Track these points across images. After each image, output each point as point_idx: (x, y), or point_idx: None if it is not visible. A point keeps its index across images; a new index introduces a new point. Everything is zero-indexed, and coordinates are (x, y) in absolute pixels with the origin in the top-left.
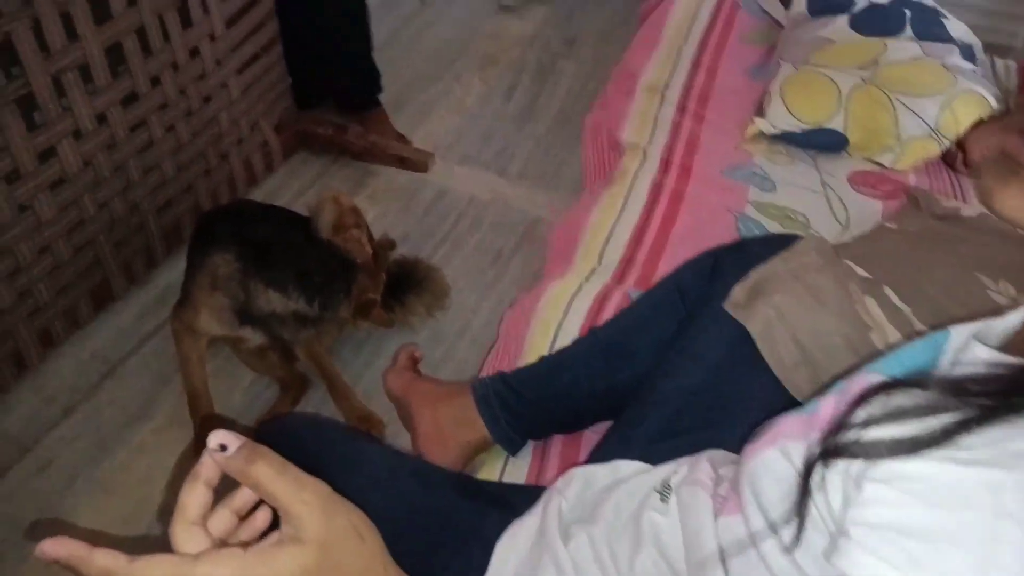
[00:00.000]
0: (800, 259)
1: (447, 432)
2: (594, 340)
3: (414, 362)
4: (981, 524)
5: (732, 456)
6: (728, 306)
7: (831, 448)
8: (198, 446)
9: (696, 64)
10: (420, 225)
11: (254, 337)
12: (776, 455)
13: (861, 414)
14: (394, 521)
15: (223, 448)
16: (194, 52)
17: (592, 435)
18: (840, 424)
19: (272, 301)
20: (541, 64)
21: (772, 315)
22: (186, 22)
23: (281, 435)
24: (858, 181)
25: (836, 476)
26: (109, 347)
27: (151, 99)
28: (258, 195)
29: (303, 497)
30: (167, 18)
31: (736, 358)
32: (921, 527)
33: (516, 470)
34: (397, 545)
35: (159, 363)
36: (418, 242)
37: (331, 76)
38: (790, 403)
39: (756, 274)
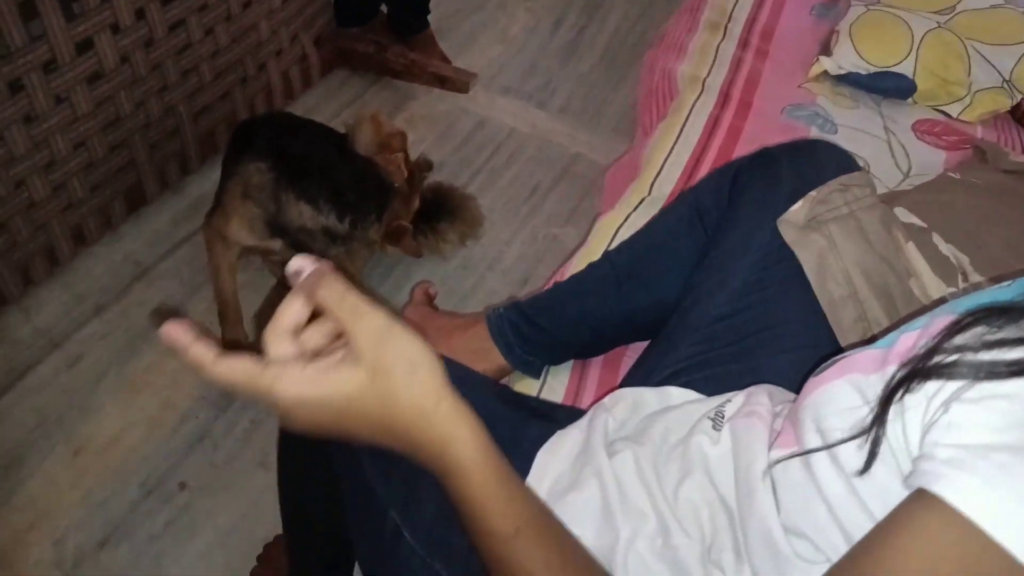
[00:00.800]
0: (855, 192)
1: (463, 363)
2: (608, 265)
3: (429, 299)
4: None
5: (790, 395)
6: (783, 225)
7: (920, 370)
8: (224, 346)
9: (760, 0)
10: (457, 153)
11: (283, 249)
12: (844, 386)
13: (955, 341)
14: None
15: (299, 273)
16: None
17: (629, 359)
18: (931, 350)
19: (303, 214)
20: None
21: (825, 245)
22: None
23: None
24: (923, 130)
25: (921, 400)
26: (142, 250)
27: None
28: (295, 109)
29: (360, 323)
30: None
31: (764, 281)
32: (1011, 442)
33: (552, 392)
34: None
35: (190, 270)
36: (454, 170)
37: None
38: (825, 333)
39: (813, 197)
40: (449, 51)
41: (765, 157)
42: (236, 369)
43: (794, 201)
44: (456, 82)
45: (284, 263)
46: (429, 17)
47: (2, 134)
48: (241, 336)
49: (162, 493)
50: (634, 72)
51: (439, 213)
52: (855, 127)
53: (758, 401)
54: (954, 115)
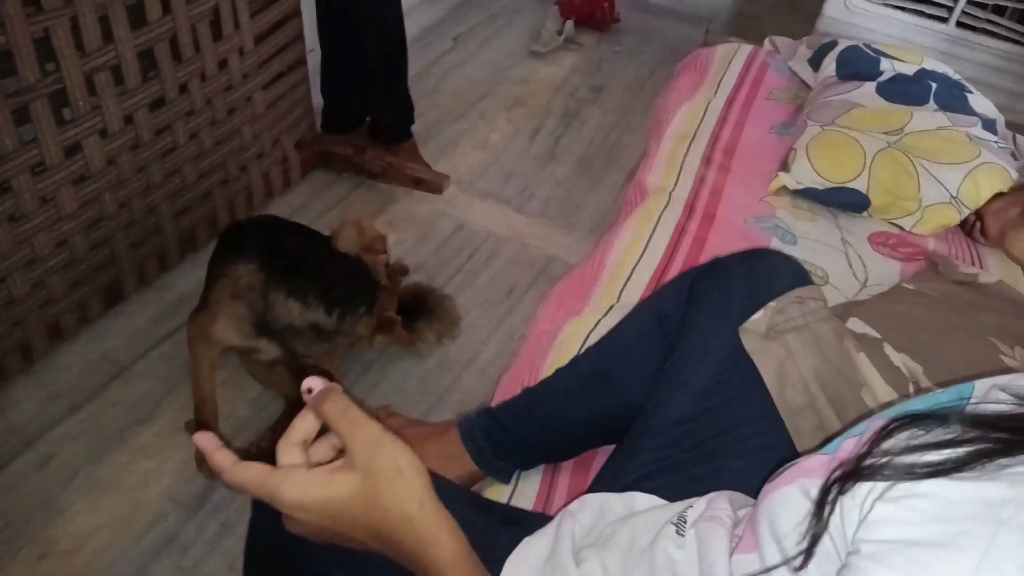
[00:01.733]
0: (810, 304)
1: (436, 469)
2: (575, 368)
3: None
4: (982, 532)
5: (750, 500)
6: (744, 333)
7: (849, 472)
8: (200, 454)
9: (723, 118)
10: (436, 255)
11: (269, 349)
12: (795, 491)
13: (883, 445)
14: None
15: (311, 391)
16: (223, 64)
17: (599, 464)
18: (862, 454)
19: (291, 311)
20: (567, 109)
21: (783, 355)
22: (217, 34)
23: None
24: (878, 242)
25: (851, 500)
26: (119, 349)
27: (178, 105)
28: (275, 209)
29: (356, 433)
30: (199, 29)
31: (723, 384)
32: (925, 537)
33: (524, 497)
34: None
35: (167, 368)
36: (433, 272)
37: (367, 104)
38: (785, 436)
39: (772, 308)
40: (431, 156)
41: (719, 265)
42: (249, 472)
43: (746, 305)
44: (431, 183)
45: (265, 364)
46: (413, 126)
47: (24, 239)
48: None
49: None
50: (609, 177)
51: (417, 312)
52: (814, 238)
53: (719, 506)
54: (907, 228)
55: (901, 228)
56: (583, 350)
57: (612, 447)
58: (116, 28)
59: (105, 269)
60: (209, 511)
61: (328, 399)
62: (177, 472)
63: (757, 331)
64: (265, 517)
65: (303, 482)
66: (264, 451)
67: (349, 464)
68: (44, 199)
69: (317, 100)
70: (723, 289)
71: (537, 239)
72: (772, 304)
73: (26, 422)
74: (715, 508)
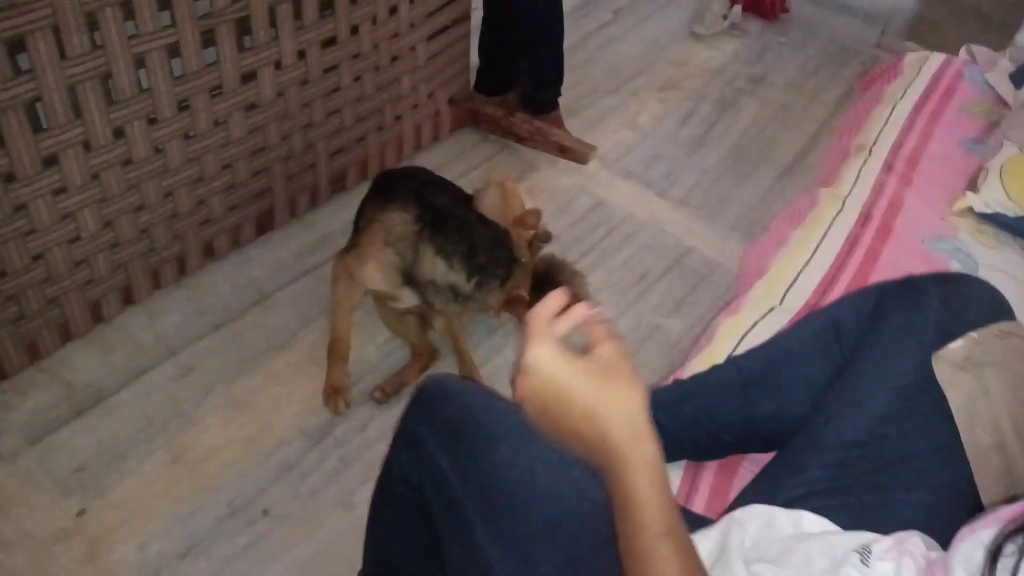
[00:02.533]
0: (1013, 340)
1: None
2: (733, 368)
3: None
4: None
5: (936, 544)
6: (938, 361)
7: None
8: (329, 388)
9: (909, 125)
10: (572, 230)
11: (408, 298)
12: (991, 535)
13: None
14: (563, 499)
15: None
16: (393, 10)
17: (745, 470)
18: None
19: (436, 268)
20: (723, 96)
21: (977, 389)
22: None
23: (446, 395)
24: None
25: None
26: (264, 276)
27: (347, 47)
28: (422, 161)
29: (613, 340)
30: None
31: (904, 411)
32: None
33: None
34: (561, 526)
35: (306, 301)
36: (567, 245)
37: (520, 69)
38: (965, 475)
39: (974, 339)
40: (578, 129)
41: (913, 285)
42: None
43: (941, 333)
44: (576, 152)
45: (399, 312)
46: (562, 98)
47: (159, 147)
48: (345, 374)
49: (246, 515)
50: (758, 173)
51: (547, 286)
52: (997, 268)
53: (913, 544)
54: None
55: None
56: (741, 350)
57: (759, 455)
58: None
59: (261, 197)
60: (331, 444)
61: (599, 317)
62: (304, 402)
63: (953, 361)
64: (404, 453)
65: (557, 352)
66: (387, 396)
67: (595, 355)
68: (217, 121)
69: (473, 59)
70: (916, 310)
71: (676, 227)
72: (974, 335)
73: (172, 333)
74: (909, 544)
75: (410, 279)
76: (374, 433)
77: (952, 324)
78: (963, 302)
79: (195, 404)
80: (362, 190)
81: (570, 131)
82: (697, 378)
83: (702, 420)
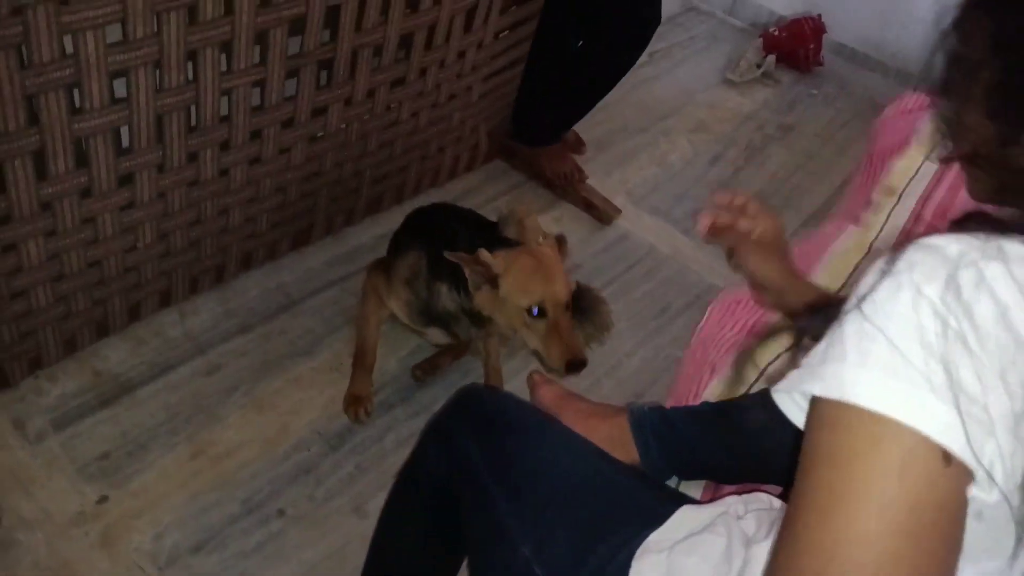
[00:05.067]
0: None
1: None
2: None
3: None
4: None
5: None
6: None
7: None
8: (350, 396)
9: (940, 177)
10: (595, 260)
11: (439, 336)
12: None
13: None
14: (578, 475)
15: None
16: (461, 54)
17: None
18: None
19: (441, 294)
20: (752, 142)
21: None
22: (468, 25)
23: (481, 397)
24: None
25: None
26: (294, 283)
27: (413, 86)
28: (455, 187)
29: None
30: (455, 20)
31: None
32: None
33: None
34: (576, 497)
35: (332, 310)
36: (590, 275)
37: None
38: None
39: None
40: (606, 163)
41: None
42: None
43: None
44: (601, 212)
45: (440, 346)
46: (592, 133)
47: (225, 170)
48: (368, 384)
49: (261, 514)
50: (783, 219)
51: (571, 310)
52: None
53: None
54: None
55: None
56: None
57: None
58: (392, 11)
59: (304, 216)
60: (348, 451)
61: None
62: (325, 407)
63: None
64: (433, 447)
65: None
66: (424, 375)
67: None
68: (282, 150)
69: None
70: None
71: (699, 264)
72: None
73: (201, 331)
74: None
75: (432, 317)
76: (391, 443)
77: None
78: None
79: (219, 402)
80: (395, 211)
81: (597, 164)
82: (734, 400)
83: (729, 440)
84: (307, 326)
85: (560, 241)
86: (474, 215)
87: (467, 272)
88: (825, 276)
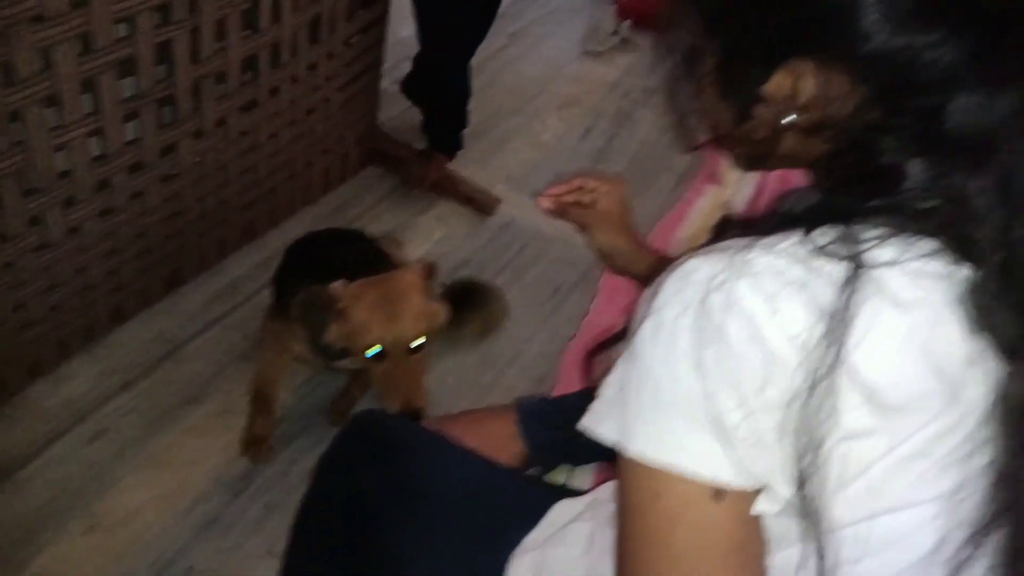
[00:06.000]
0: None
1: (489, 450)
2: None
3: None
4: None
5: None
6: None
7: None
8: (251, 436)
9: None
10: (483, 251)
11: (348, 363)
12: None
13: None
14: (466, 490)
15: None
16: (312, 67)
17: None
18: None
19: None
20: (620, 110)
21: None
22: (314, 38)
23: (373, 422)
24: None
25: None
26: (174, 328)
27: (266, 108)
28: (330, 202)
29: None
30: (299, 34)
31: None
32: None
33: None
34: (469, 509)
35: (218, 351)
36: (480, 266)
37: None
38: None
39: None
40: (483, 151)
41: None
42: None
43: None
44: (482, 204)
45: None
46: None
47: (75, 227)
48: (266, 425)
49: (170, 575)
50: (659, 181)
51: (466, 305)
52: None
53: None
54: None
55: None
56: None
57: None
58: (229, 36)
59: (172, 257)
60: (253, 493)
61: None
62: (224, 452)
63: None
64: (328, 476)
65: None
66: (343, 416)
67: None
68: (135, 195)
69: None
70: None
71: (583, 240)
72: None
73: (79, 396)
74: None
75: (337, 349)
76: (297, 477)
77: None
78: None
79: (109, 468)
80: (272, 235)
81: (476, 154)
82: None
83: None
84: (194, 371)
85: (430, 270)
86: (357, 233)
87: (307, 310)
88: (689, 234)
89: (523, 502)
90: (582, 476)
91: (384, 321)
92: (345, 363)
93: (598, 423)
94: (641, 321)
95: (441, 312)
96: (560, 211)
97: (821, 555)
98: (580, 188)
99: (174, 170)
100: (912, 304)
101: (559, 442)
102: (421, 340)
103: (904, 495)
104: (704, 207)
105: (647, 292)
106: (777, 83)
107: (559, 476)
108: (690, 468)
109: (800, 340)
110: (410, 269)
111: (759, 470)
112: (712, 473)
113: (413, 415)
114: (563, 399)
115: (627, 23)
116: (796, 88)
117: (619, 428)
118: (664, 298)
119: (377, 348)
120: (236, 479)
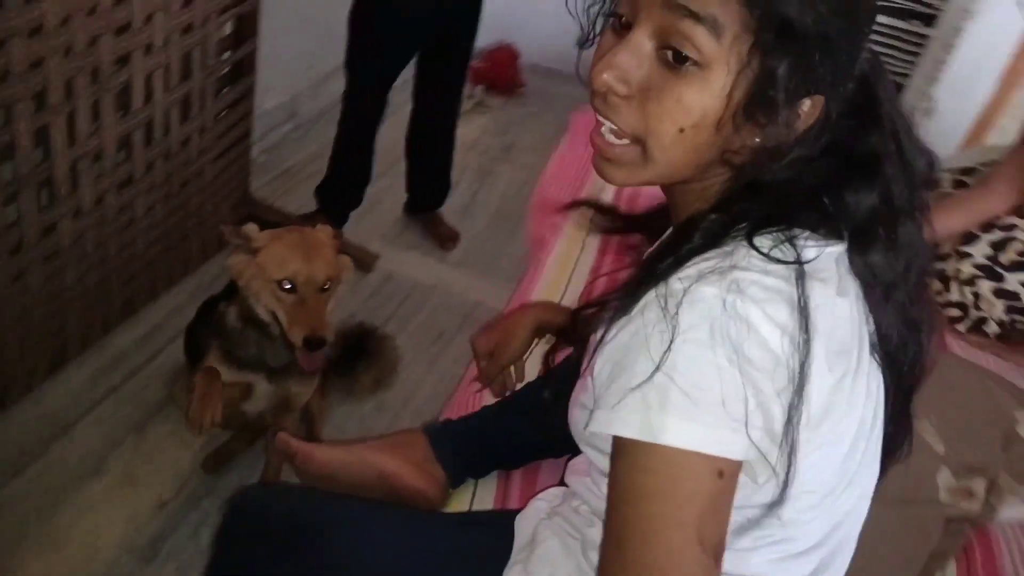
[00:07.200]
0: None
1: (413, 478)
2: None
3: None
4: None
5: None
6: None
7: None
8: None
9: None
10: (367, 305)
11: (264, 384)
12: None
13: None
14: (394, 554)
15: None
16: (185, 142)
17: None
18: None
19: (230, 317)
20: (481, 166)
21: None
22: (185, 115)
23: (262, 497)
24: None
25: None
26: (62, 408)
27: (142, 183)
28: (208, 270)
29: None
30: (171, 113)
31: None
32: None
33: (483, 503)
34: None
35: (111, 424)
36: (366, 318)
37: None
38: None
39: None
40: (356, 214)
41: None
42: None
43: None
44: (361, 262)
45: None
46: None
47: None
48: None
49: None
50: (523, 228)
51: (358, 351)
52: None
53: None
54: None
55: None
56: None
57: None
58: (103, 118)
59: (55, 336)
60: (164, 557)
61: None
62: (128, 521)
63: None
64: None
65: None
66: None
67: None
68: (15, 277)
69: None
70: None
71: (460, 286)
72: None
73: None
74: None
75: (246, 358)
76: (207, 537)
77: None
78: None
79: (9, 554)
80: (152, 308)
81: (351, 214)
82: (502, 403)
83: (513, 440)
84: (87, 447)
85: (338, 235)
86: None
87: (226, 235)
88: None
89: (458, 553)
90: (485, 488)
91: (300, 260)
92: (260, 391)
93: (621, 426)
94: (661, 337)
95: (347, 266)
96: (500, 375)
97: (786, 482)
98: (488, 354)
99: (54, 250)
100: (831, 279)
101: (467, 458)
102: (328, 284)
103: (841, 409)
104: (557, 258)
105: (654, 311)
106: (807, 111)
107: (466, 491)
108: (712, 449)
109: (788, 331)
110: (321, 229)
111: (763, 447)
112: (726, 452)
113: (316, 343)
114: (465, 419)
115: (480, 87)
116: (810, 116)
117: (643, 425)
118: (687, 322)
119: (288, 285)
120: (145, 546)
